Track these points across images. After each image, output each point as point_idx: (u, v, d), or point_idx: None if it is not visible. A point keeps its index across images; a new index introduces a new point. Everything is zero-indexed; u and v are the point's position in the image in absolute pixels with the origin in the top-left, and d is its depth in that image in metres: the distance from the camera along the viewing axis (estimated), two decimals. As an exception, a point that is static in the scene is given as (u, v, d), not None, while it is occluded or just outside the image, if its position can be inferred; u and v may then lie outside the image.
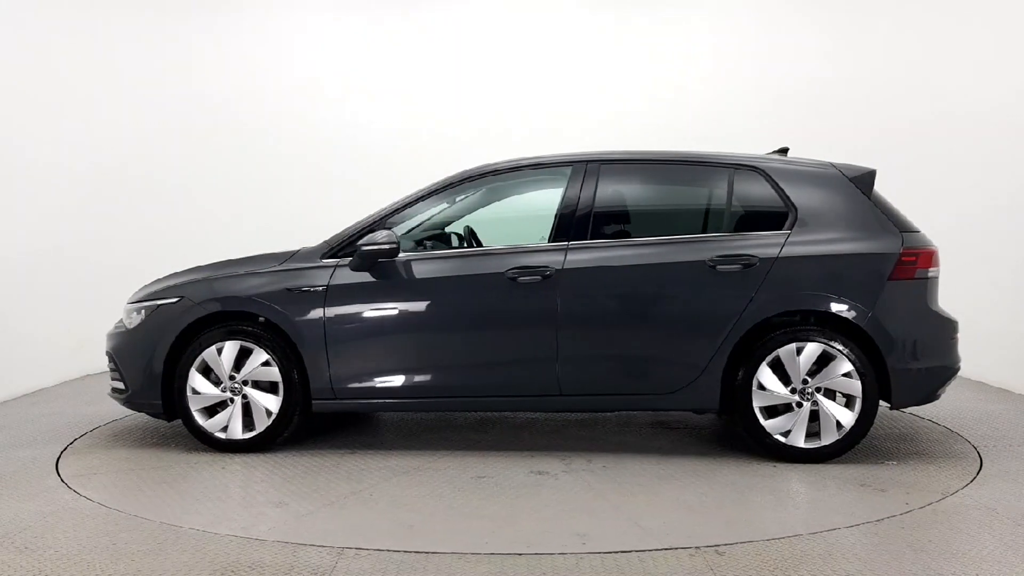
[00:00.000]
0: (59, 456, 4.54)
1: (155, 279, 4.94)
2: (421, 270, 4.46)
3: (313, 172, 7.78)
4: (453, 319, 4.44)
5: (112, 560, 3.09)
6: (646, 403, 4.44)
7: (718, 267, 4.28)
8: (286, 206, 7.62)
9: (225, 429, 4.53)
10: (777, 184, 4.42)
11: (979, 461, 4.33)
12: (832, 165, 4.50)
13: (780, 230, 4.35)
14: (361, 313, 4.46)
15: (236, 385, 4.52)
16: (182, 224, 7.58)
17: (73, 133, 6.98)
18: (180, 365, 4.53)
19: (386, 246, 4.37)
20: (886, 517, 3.50)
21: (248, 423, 4.53)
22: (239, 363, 4.52)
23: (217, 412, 4.57)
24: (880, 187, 4.51)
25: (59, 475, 4.19)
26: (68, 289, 6.87)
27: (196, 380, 4.52)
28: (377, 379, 4.45)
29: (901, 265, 4.23)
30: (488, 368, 4.43)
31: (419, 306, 4.45)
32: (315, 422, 5.24)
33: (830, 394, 4.29)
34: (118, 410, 5.57)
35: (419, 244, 4.74)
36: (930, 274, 4.30)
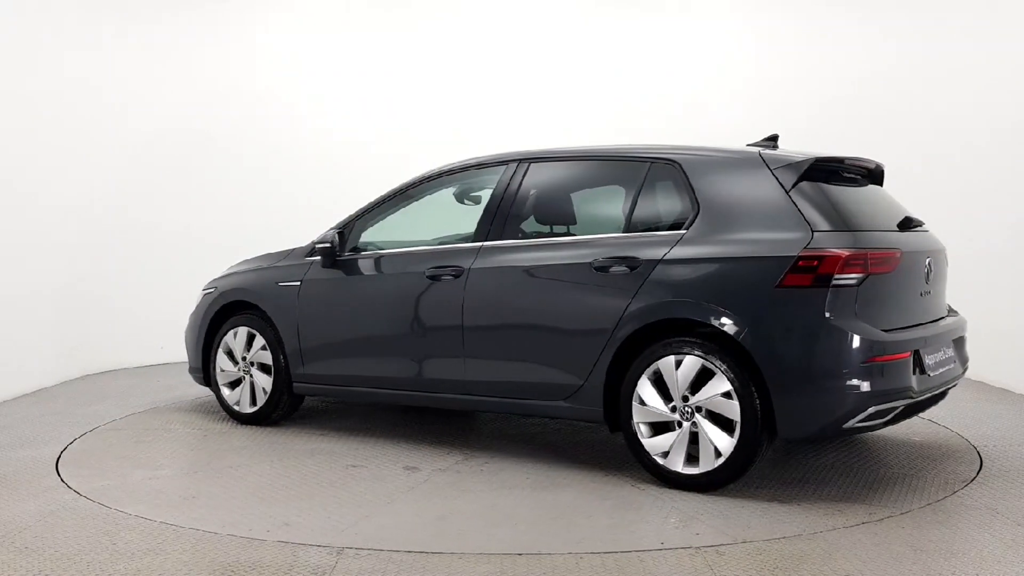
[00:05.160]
0: (59, 456, 4.54)
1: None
2: (366, 267, 4.82)
3: (330, 172, 7.79)
4: (384, 315, 4.69)
5: (112, 560, 3.09)
6: (537, 410, 4.29)
7: (609, 269, 3.98)
8: (302, 207, 7.60)
9: (238, 403, 5.24)
10: (688, 178, 3.98)
11: (979, 461, 4.33)
12: (759, 154, 3.94)
13: (679, 229, 3.94)
14: (321, 306, 4.91)
15: (247, 366, 5.19)
16: (182, 226, 7.57)
17: (73, 135, 6.97)
18: (213, 346, 5.33)
19: (327, 244, 4.84)
20: (886, 517, 3.50)
21: (253, 399, 5.18)
22: (250, 346, 5.19)
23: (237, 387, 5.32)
24: (891, 185, 4.40)
25: (59, 475, 4.20)
26: (68, 289, 6.86)
27: (222, 359, 5.28)
28: (330, 368, 4.89)
29: (795, 270, 3.58)
30: (409, 364, 4.61)
31: (359, 301, 4.80)
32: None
33: (713, 416, 3.74)
34: (118, 410, 5.64)
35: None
36: (838, 281, 3.54)
